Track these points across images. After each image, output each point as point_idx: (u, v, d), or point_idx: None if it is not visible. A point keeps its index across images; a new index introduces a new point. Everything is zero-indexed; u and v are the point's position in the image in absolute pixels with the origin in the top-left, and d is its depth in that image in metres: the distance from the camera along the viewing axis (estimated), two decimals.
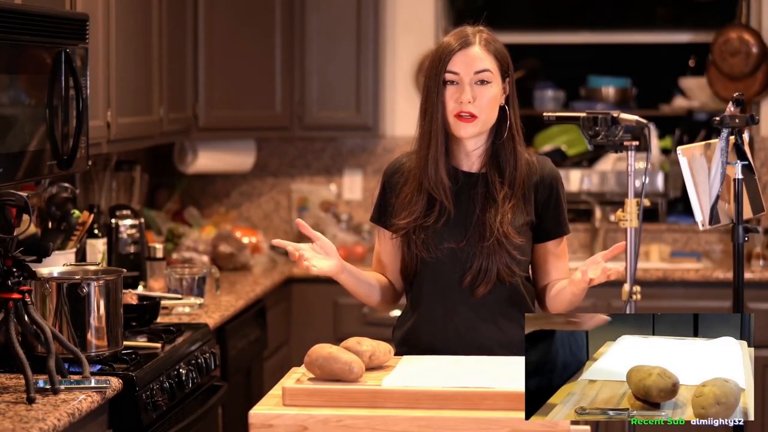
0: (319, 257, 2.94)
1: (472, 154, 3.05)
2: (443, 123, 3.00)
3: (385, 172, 3.14)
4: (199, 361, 3.64)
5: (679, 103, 6.05)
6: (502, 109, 3.03)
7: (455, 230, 3.02)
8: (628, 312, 3.56)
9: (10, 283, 2.94)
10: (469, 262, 2.99)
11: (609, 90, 6.13)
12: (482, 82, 2.97)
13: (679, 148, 3.30)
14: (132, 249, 4.41)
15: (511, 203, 3.01)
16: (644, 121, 3.57)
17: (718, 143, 3.22)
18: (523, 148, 3.07)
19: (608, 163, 5.88)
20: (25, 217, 3.01)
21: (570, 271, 3.12)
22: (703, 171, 3.27)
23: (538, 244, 3.09)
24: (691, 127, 6.05)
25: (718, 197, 3.22)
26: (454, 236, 3.01)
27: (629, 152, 3.57)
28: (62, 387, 2.89)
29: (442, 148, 3.01)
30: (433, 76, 3.00)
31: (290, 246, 2.91)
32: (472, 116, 2.96)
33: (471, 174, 3.06)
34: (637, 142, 3.58)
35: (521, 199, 3.03)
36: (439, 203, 3.01)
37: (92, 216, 3.99)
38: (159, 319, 3.79)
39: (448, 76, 2.98)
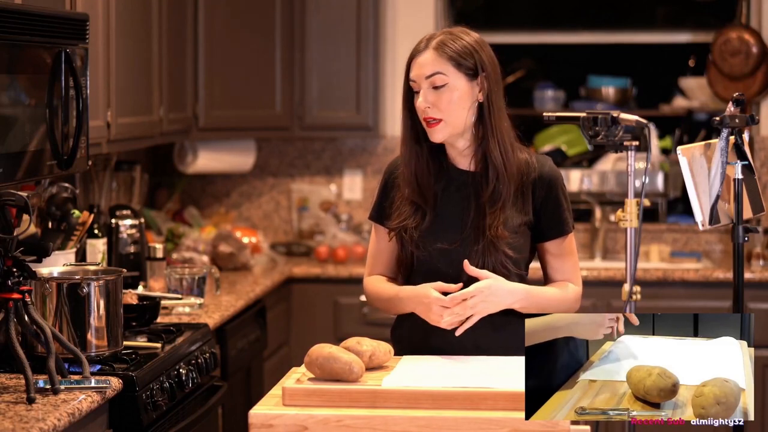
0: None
1: (463, 153, 3.06)
2: (413, 129, 3.05)
3: (386, 171, 3.15)
4: (199, 361, 3.64)
5: (679, 103, 6.06)
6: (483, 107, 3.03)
7: (449, 230, 3.02)
8: (628, 312, 3.56)
9: (10, 283, 2.94)
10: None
11: (609, 90, 6.14)
12: (436, 85, 2.98)
13: (679, 148, 3.30)
14: (132, 249, 4.41)
15: (502, 202, 3.00)
16: (644, 121, 3.58)
17: (718, 143, 3.22)
18: (508, 144, 3.01)
19: (608, 163, 5.88)
20: (25, 217, 3.01)
21: (575, 270, 3.11)
22: (703, 171, 3.27)
23: (539, 243, 3.09)
24: (691, 127, 6.05)
25: (718, 197, 3.22)
26: (448, 237, 3.01)
27: (629, 152, 3.58)
28: (62, 387, 2.89)
29: (412, 152, 3.04)
30: (404, 84, 3.06)
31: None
32: (436, 120, 2.98)
33: (465, 172, 3.06)
34: (637, 142, 3.59)
35: (519, 197, 3.03)
36: (421, 205, 3.03)
37: (92, 216, 3.99)
38: (159, 319, 3.79)
39: (412, 85, 3.03)
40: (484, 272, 2.94)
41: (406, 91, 3.04)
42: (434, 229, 3.02)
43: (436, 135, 3.00)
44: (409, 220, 3.03)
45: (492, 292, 2.92)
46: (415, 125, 3.04)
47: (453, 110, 2.98)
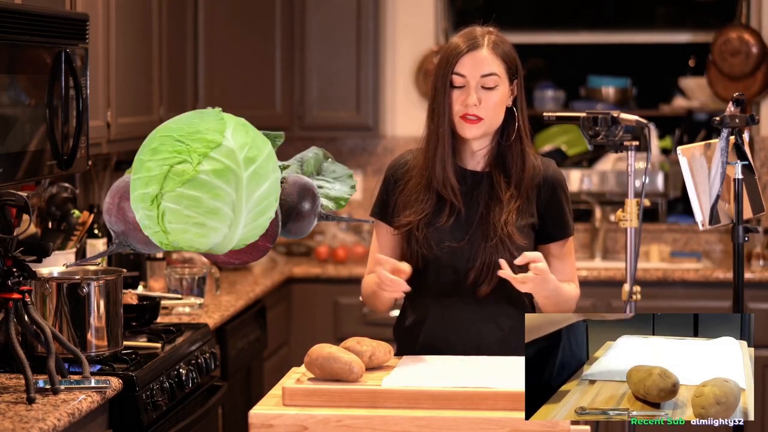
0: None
1: (477, 154, 3.06)
2: (450, 124, 3.00)
3: (389, 168, 3.14)
4: (199, 361, 3.64)
5: (679, 103, 6.06)
6: (510, 110, 3.03)
7: (458, 228, 3.02)
8: (628, 312, 3.57)
9: (10, 283, 2.94)
10: (471, 261, 2.99)
11: (609, 90, 6.14)
12: (488, 86, 2.97)
13: (679, 148, 3.30)
14: None
15: (516, 204, 3.01)
16: (644, 121, 3.58)
17: (718, 143, 3.22)
18: (530, 149, 3.06)
19: (608, 163, 5.88)
20: (25, 217, 3.01)
21: (574, 272, 3.12)
22: (703, 171, 3.27)
23: (540, 245, 3.09)
24: (691, 127, 6.05)
25: (718, 197, 3.22)
26: (456, 235, 3.01)
27: (629, 152, 3.58)
28: (62, 387, 2.89)
29: (450, 149, 3.01)
30: (441, 77, 3.00)
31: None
32: (478, 118, 2.97)
33: (476, 173, 3.06)
34: (637, 142, 3.59)
35: (524, 199, 3.03)
36: (449, 203, 3.02)
37: (92, 216, 3.99)
38: (159, 319, 3.79)
39: (455, 79, 2.98)
40: (538, 254, 2.90)
41: (447, 85, 2.97)
42: (443, 229, 3.02)
43: (473, 131, 2.98)
44: (430, 216, 3.01)
45: (544, 277, 2.89)
46: (451, 119, 3.00)
47: (496, 111, 2.98)
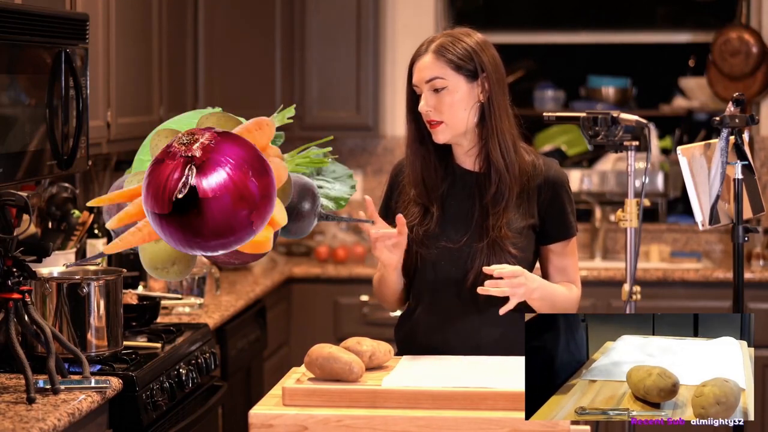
0: (387, 249, 2.96)
1: (468, 153, 3.06)
2: (415, 132, 3.06)
3: (393, 170, 3.18)
4: (199, 361, 3.64)
5: (679, 103, 6.06)
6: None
7: (454, 229, 3.02)
8: (628, 312, 3.57)
9: (10, 283, 2.95)
10: (470, 262, 2.99)
11: (609, 90, 6.14)
12: (436, 89, 2.99)
13: (679, 148, 3.30)
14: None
15: (505, 203, 3.00)
16: (644, 121, 3.58)
17: (718, 143, 3.22)
18: (510, 145, 3.00)
19: (608, 163, 5.88)
20: (25, 217, 3.02)
21: (576, 273, 3.12)
22: (703, 171, 3.27)
23: (542, 246, 3.09)
24: (691, 127, 6.05)
25: (718, 197, 3.22)
26: (453, 235, 3.01)
27: (629, 152, 3.58)
28: (62, 387, 2.89)
29: (418, 154, 3.06)
30: (407, 88, 3.07)
31: (373, 230, 2.94)
32: (438, 122, 2.99)
33: (470, 173, 3.06)
34: (637, 142, 3.59)
35: (524, 200, 3.02)
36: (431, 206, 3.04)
37: (92, 216, 3.99)
38: (159, 319, 3.79)
39: (414, 88, 3.04)
40: (505, 266, 2.92)
41: (410, 93, 3.05)
42: (440, 228, 3.03)
43: (439, 136, 3.01)
44: (417, 221, 3.04)
45: (527, 277, 2.91)
46: (419, 127, 3.05)
47: (453, 113, 2.98)
